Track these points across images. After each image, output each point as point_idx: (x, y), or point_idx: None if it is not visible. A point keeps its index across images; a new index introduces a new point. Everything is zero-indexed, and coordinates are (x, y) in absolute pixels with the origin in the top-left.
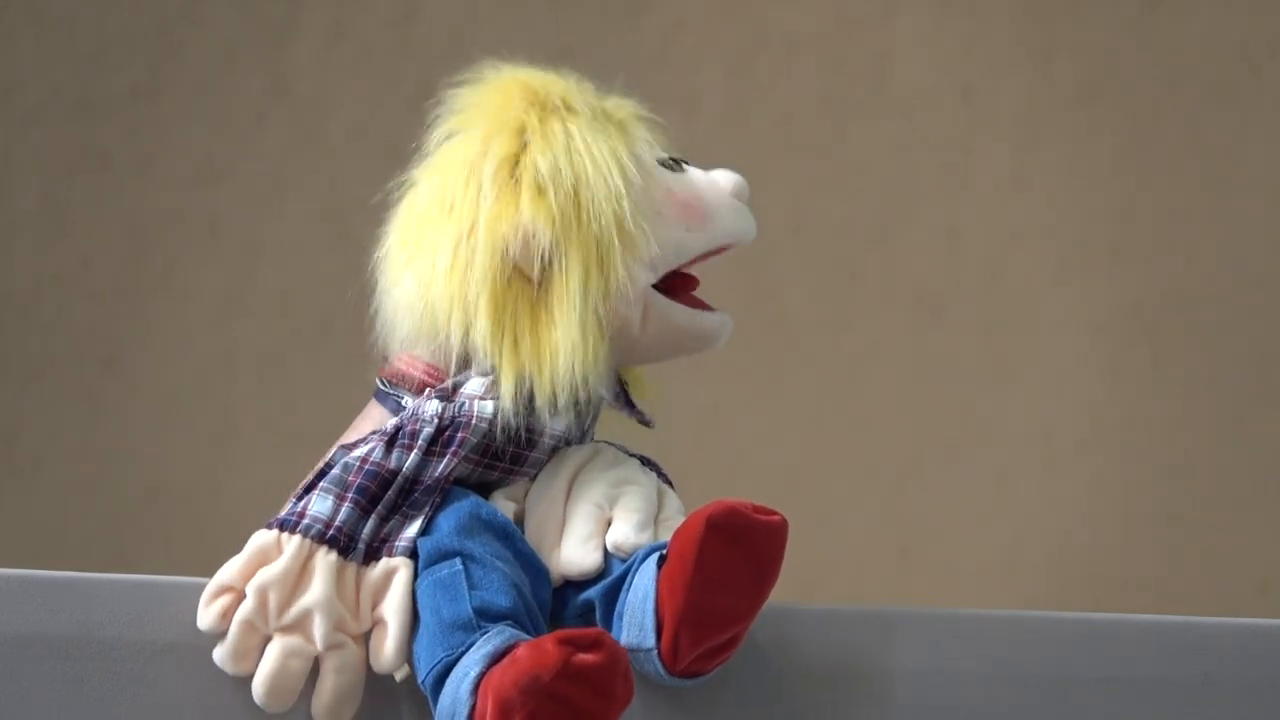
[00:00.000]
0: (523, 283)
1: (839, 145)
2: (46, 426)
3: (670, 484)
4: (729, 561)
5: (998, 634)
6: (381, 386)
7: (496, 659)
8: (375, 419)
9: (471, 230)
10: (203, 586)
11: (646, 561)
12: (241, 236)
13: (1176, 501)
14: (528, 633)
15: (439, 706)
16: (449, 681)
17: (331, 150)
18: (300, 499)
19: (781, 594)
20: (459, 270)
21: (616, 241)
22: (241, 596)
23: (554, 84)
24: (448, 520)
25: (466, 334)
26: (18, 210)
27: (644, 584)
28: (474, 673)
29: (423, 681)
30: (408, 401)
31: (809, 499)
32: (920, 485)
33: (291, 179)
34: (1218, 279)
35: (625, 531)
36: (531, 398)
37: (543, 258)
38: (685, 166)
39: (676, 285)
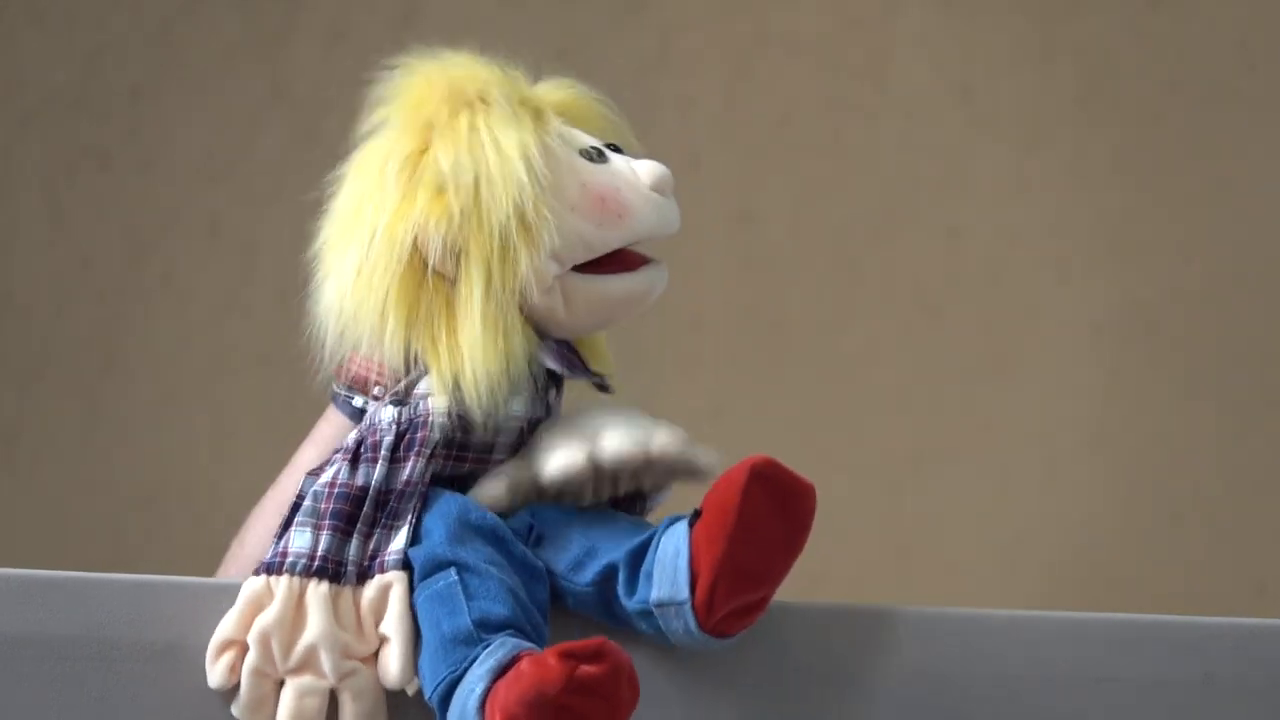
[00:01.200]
0: (439, 282)
1: (839, 145)
2: (46, 426)
3: None
4: (768, 516)
5: (998, 634)
6: (336, 390)
7: (500, 673)
8: (333, 422)
9: (376, 231)
10: (202, 587)
11: (675, 524)
12: (241, 236)
13: (1176, 501)
14: (529, 639)
15: None
16: (455, 699)
17: (331, 150)
18: (280, 539)
19: (781, 592)
20: (366, 274)
21: (517, 239)
22: (244, 648)
23: (475, 75)
24: (438, 528)
25: (384, 336)
26: (18, 210)
27: (674, 541)
28: (479, 690)
29: (429, 698)
30: (359, 402)
31: None
32: (920, 485)
33: (291, 179)
34: (1218, 279)
35: (615, 440)
36: (461, 393)
37: (451, 256)
38: (610, 156)
39: (601, 259)
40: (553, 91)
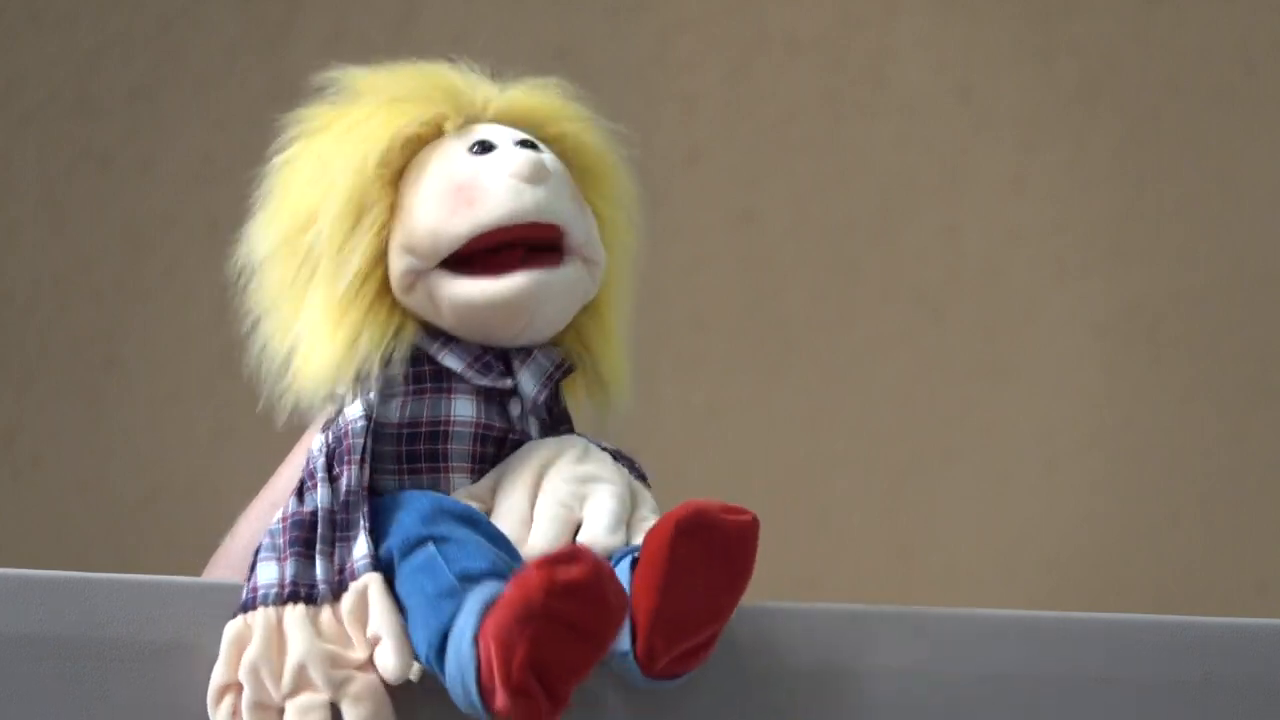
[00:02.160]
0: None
1: (839, 145)
2: (46, 426)
3: (644, 479)
4: (700, 563)
5: (998, 634)
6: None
7: (487, 610)
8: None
9: (263, 228)
10: (203, 587)
11: (620, 565)
12: (241, 236)
13: (1176, 501)
14: None
15: (447, 674)
16: (449, 647)
17: None
18: (249, 580)
19: (781, 593)
20: (261, 269)
21: (342, 232)
22: (240, 689)
23: (408, 77)
24: (410, 515)
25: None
26: (18, 210)
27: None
28: (470, 628)
29: (426, 659)
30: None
31: (809, 499)
32: (920, 485)
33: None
34: (1218, 279)
35: (596, 534)
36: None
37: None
38: (500, 147)
39: (488, 262)
40: (509, 94)
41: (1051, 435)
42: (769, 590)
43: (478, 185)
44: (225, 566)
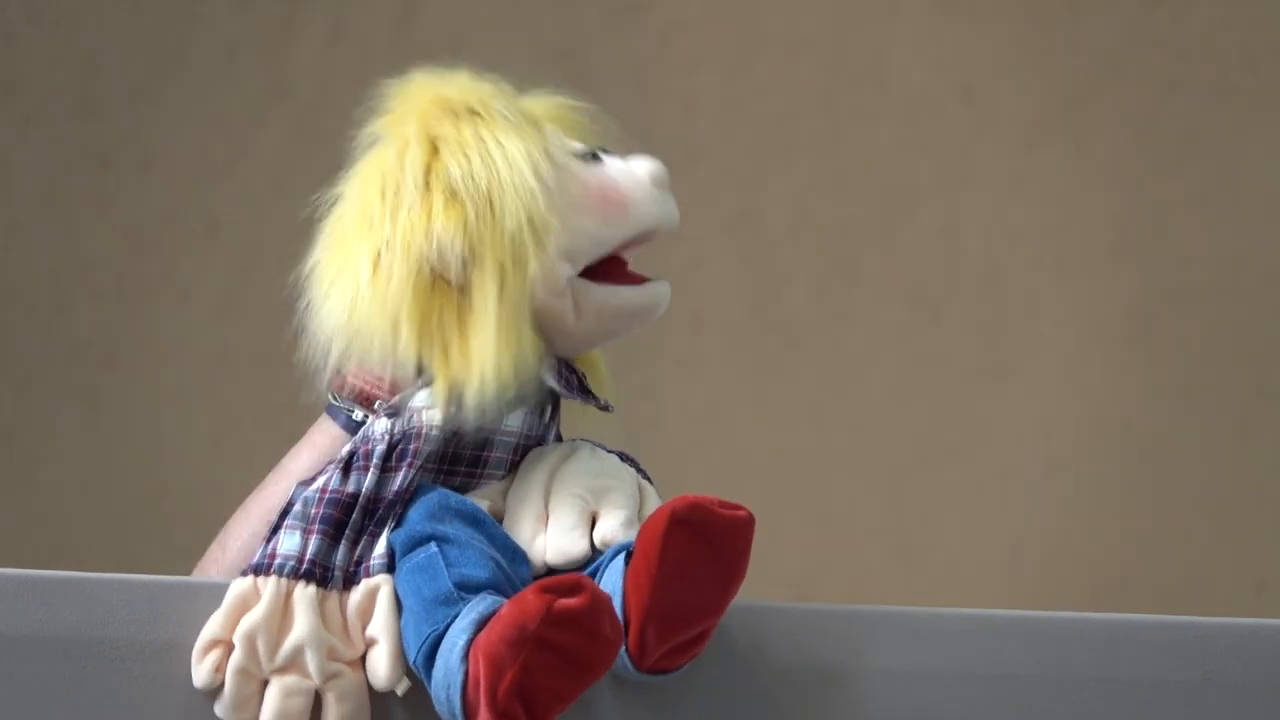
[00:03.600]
0: (447, 290)
1: (839, 145)
2: (46, 426)
3: (650, 480)
4: (693, 557)
5: (998, 634)
6: (332, 400)
7: (482, 624)
8: (326, 432)
9: (389, 243)
10: (202, 587)
11: (615, 559)
12: (241, 236)
13: (1176, 501)
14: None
15: (433, 682)
16: (439, 655)
17: (331, 150)
18: (269, 541)
19: (781, 593)
20: (380, 285)
21: (529, 241)
22: (230, 648)
23: (468, 89)
24: (417, 511)
25: (395, 348)
26: (18, 210)
27: (612, 580)
28: (462, 641)
29: (414, 662)
30: (359, 415)
31: (809, 499)
32: (920, 485)
33: (291, 179)
34: (1218, 279)
35: (613, 527)
36: (465, 402)
37: (462, 263)
38: (604, 157)
39: (608, 269)
40: (541, 102)
41: (1051, 435)
42: (768, 590)
43: (622, 193)
44: (216, 574)
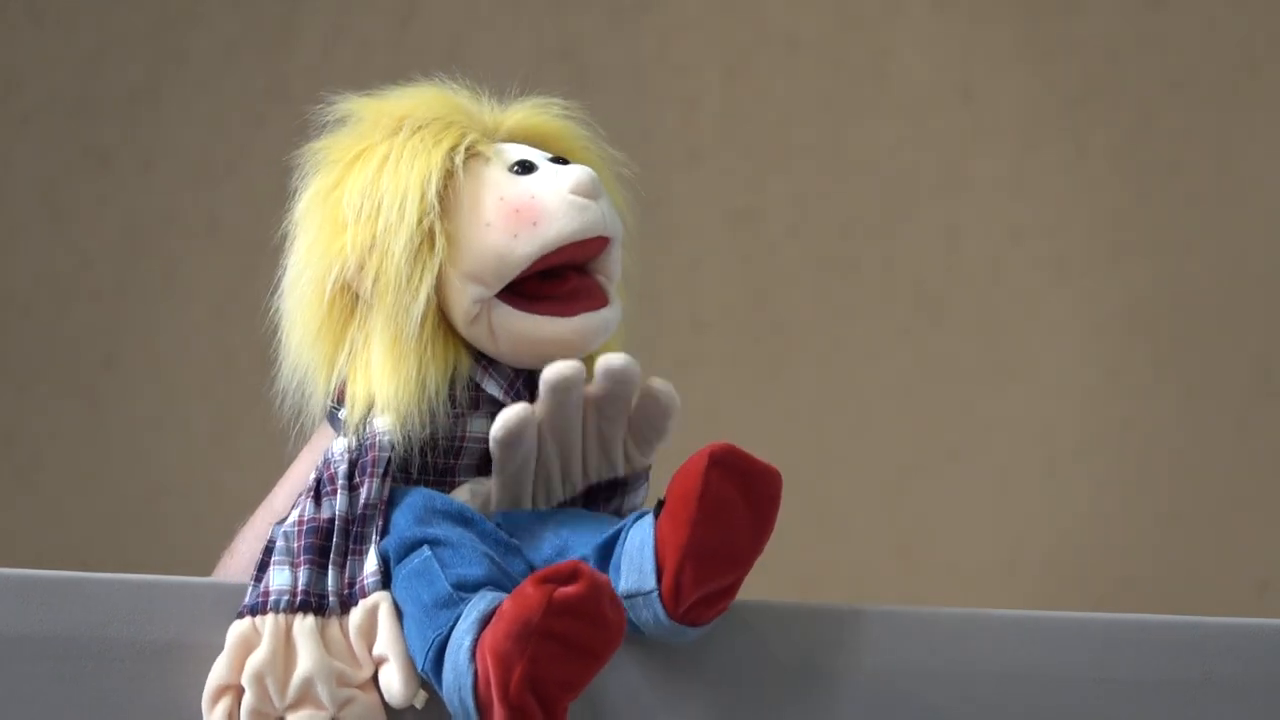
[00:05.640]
0: (366, 312)
1: (839, 145)
2: (46, 426)
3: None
4: (730, 499)
5: (998, 634)
6: (331, 406)
7: (485, 622)
8: (328, 437)
9: (303, 265)
10: (203, 587)
11: (642, 518)
12: (241, 236)
13: (1176, 501)
14: (508, 594)
15: (444, 686)
16: (447, 658)
17: None
18: (258, 580)
19: (781, 592)
20: (300, 314)
21: (416, 263)
22: (239, 692)
23: (422, 104)
24: (404, 516)
25: (314, 373)
26: (18, 210)
27: (641, 533)
28: (467, 641)
29: (422, 668)
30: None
31: (809, 499)
32: (920, 485)
33: (291, 179)
34: (1218, 279)
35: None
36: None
37: (371, 283)
38: (541, 166)
39: (544, 288)
40: (518, 113)
41: (1051, 435)
42: (768, 589)
43: (536, 205)
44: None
